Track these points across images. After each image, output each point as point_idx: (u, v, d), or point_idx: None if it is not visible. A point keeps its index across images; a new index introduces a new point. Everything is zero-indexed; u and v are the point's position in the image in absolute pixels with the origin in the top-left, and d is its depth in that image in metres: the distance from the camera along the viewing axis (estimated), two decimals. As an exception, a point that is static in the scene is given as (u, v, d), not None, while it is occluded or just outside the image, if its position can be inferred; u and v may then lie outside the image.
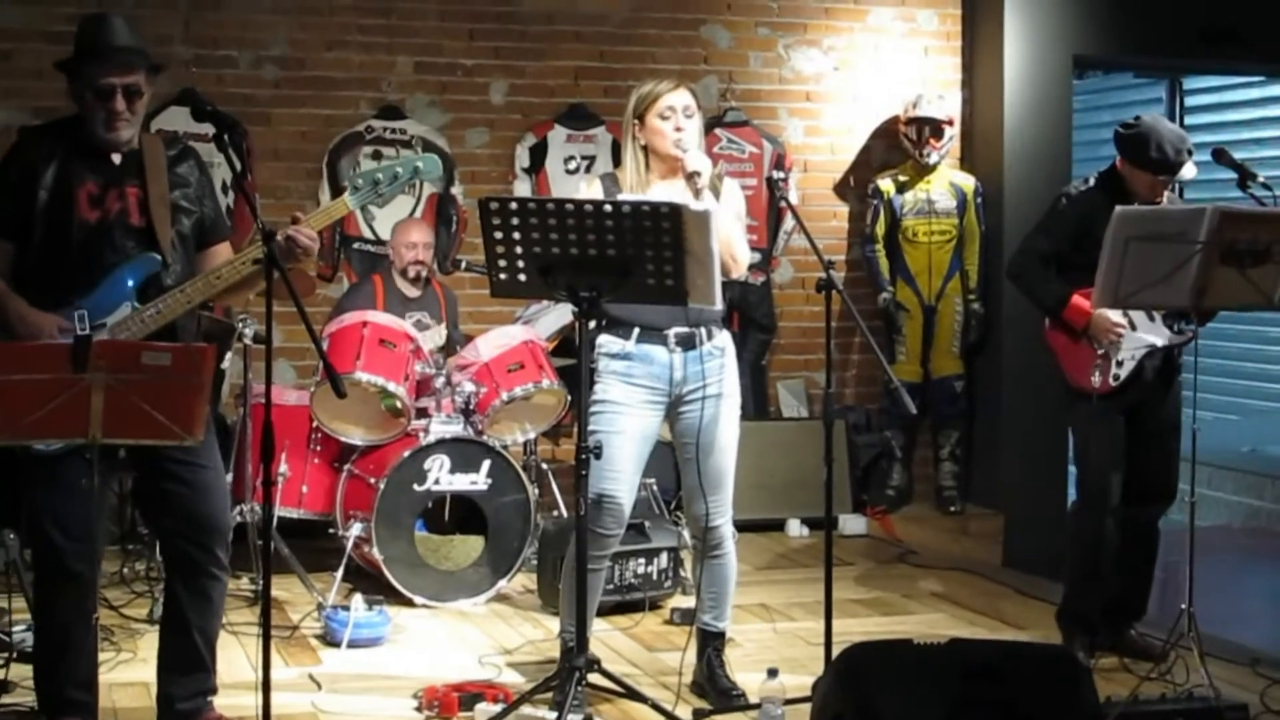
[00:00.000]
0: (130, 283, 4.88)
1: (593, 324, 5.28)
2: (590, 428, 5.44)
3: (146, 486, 5.03)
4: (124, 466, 4.87)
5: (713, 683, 5.75)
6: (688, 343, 5.51)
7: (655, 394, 5.54)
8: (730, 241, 5.44)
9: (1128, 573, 6.40)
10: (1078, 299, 6.13)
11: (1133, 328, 6.12)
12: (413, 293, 8.14)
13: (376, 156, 8.86)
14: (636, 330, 5.51)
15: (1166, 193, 6.27)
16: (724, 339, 5.64)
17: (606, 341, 5.57)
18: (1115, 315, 6.08)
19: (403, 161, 5.07)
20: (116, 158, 4.93)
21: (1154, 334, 6.14)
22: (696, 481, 5.59)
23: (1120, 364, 6.15)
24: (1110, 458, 6.24)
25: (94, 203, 4.88)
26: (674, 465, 5.85)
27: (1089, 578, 6.33)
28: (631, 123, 5.55)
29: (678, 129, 5.45)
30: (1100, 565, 6.31)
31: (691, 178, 5.32)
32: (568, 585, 5.63)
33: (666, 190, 5.42)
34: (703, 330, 5.53)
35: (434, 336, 7.87)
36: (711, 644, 5.81)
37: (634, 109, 5.54)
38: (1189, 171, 6.17)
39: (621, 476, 5.50)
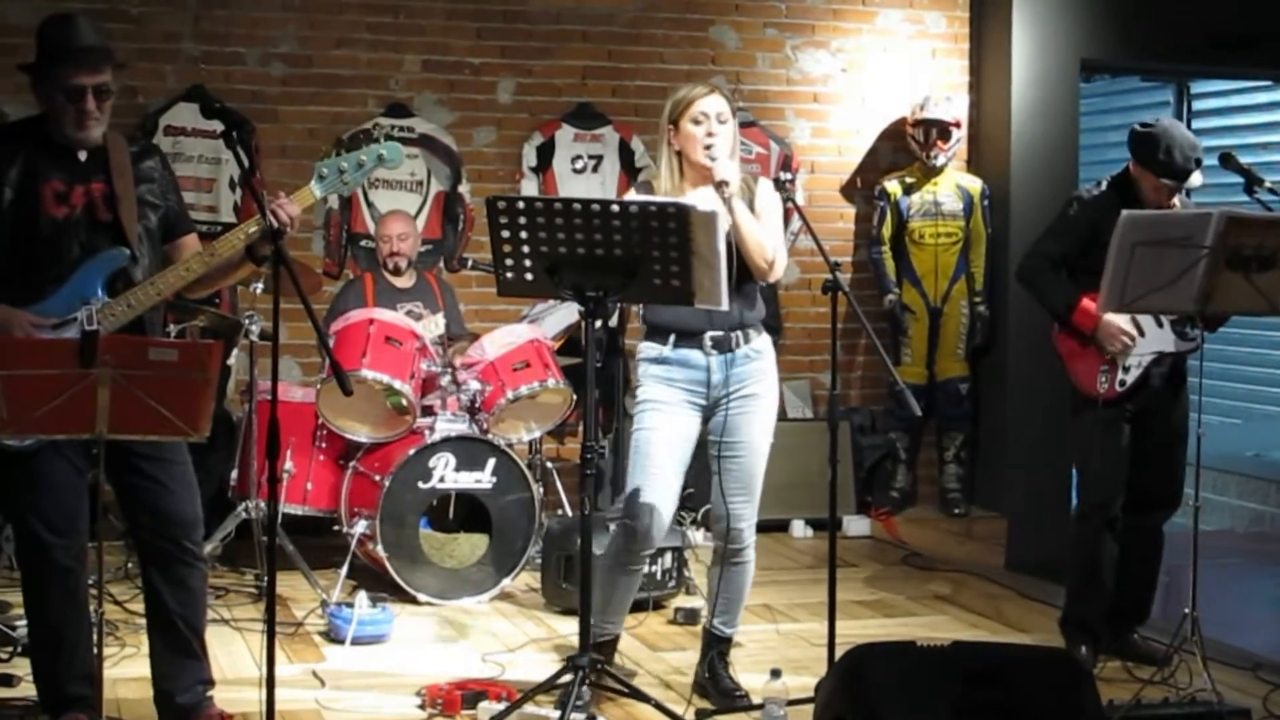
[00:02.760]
0: (99, 277, 4.90)
1: (598, 323, 5.29)
2: (634, 427, 5.59)
3: (116, 481, 5.04)
4: (95, 461, 4.86)
5: (715, 683, 5.76)
6: (723, 346, 5.53)
7: (694, 396, 5.57)
8: (763, 245, 5.45)
9: (1131, 578, 6.39)
10: (1086, 303, 6.11)
11: (1140, 333, 6.11)
12: (403, 283, 8.16)
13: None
14: (673, 335, 5.55)
15: (1178, 197, 6.26)
16: (763, 343, 5.65)
17: (645, 348, 5.63)
18: (1123, 321, 6.06)
19: (367, 150, 5.08)
20: (82, 155, 4.95)
21: (1161, 340, 6.13)
22: (727, 483, 5.61)
23: (1127, 369, 6.14)
24: (1113, 466, 6.23)
25: (60, 199, 4.91)
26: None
27: (1089, 584, 6.34)
28: (666, 128, 5.56)
29: (709, 134, 5.45)
30: (1100, 572, 6.31)
31: (720, 186, 5.33)
32: (598, 584, 5.65)
33: (699, 197, 5.40)
34: (739, 334, 5.56)
35: (430, 326, 7.87)
36: (717, 647, 5.81)
37: (669, 114, 5.55)
38: (1195, 180, 6.15)
39: (660, 473, 5.53)
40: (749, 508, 5.65)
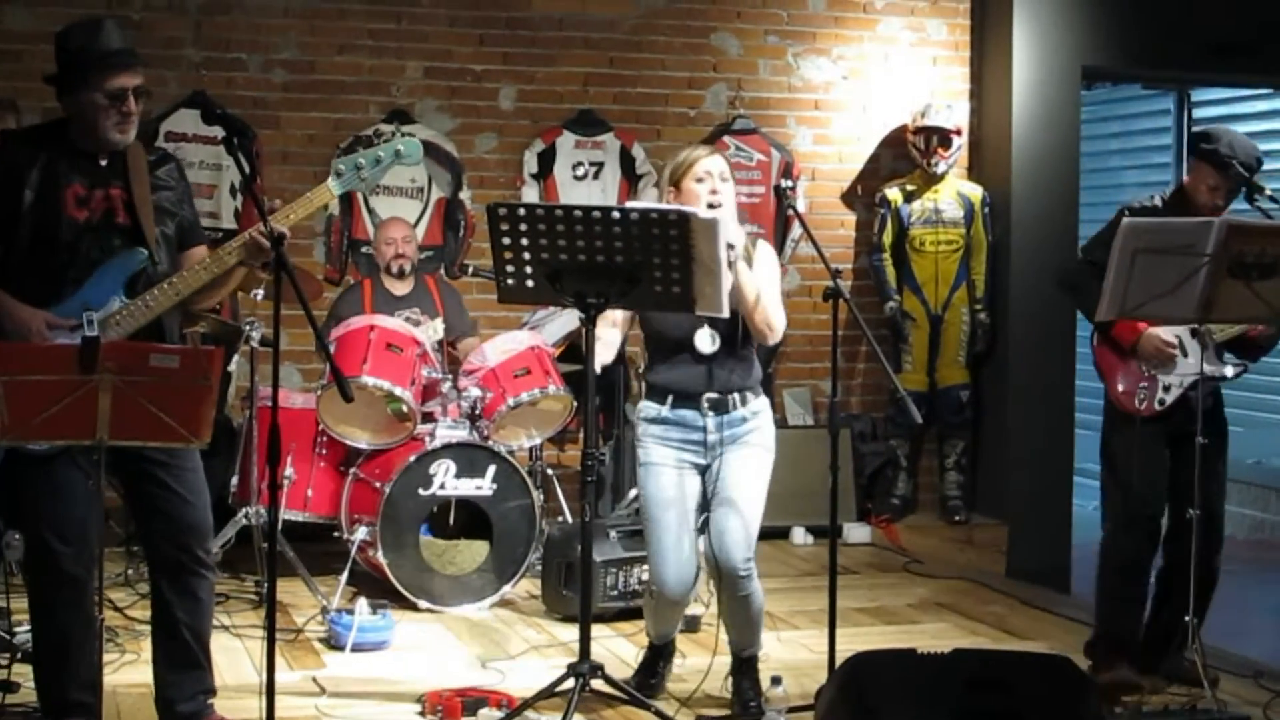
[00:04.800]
0: (118, 278, 4.91)
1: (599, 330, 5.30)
2: (640, 491, 5.62)
3: (128, 489, 5.04)
4: (108, 468, 4.84)
5: (737, 695, 5.70)
6: (720, 407, 5.54)
7: (693, 455, 5.57)
8: (766, 308, 5.44)
9: (1174, 606, 6.07)
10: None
11: (1184, 353, 6.00)
12: (401, 290, 8.18)
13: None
14: (671, 396, 5.56)
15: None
16: (760, 404, 5.65)
17: (644, 407, 5.63)
18: (1166, 334, 5.96)
19: (384, 146, 5.09)
20: (103, 160, 4.97)
21: (1206, 362, 5.92)
22: (723, 524, 5.53)
23: (1167, 389, 6.00)
24: (1154, 477, 6.03)
25: (81, 203, 4.93)
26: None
27: (1127, 598, 6.15)
28: (667, 190, 5.57)
29: (713, 192, 5.46)
30: (1139, 583, 6.13)
31: (727, 249, 5.28)
32: (646, 613, 5.93)
33: None
34: (735, 396, 5.56)
35: (428, 332, 7.88)
36: (739, 668, 5.74)
37: (670, 177, 5.57)
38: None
39: (683, 534, 5.54)
40: (741, 547, 5.53)
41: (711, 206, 5.42)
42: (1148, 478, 6.04)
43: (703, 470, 5.60)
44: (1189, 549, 5.87)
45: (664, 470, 5.56)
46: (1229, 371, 6.07)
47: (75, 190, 4.92)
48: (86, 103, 4.90)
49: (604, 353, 5.54)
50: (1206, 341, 5.96)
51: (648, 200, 5.59)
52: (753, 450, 5.60)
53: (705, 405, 5.53)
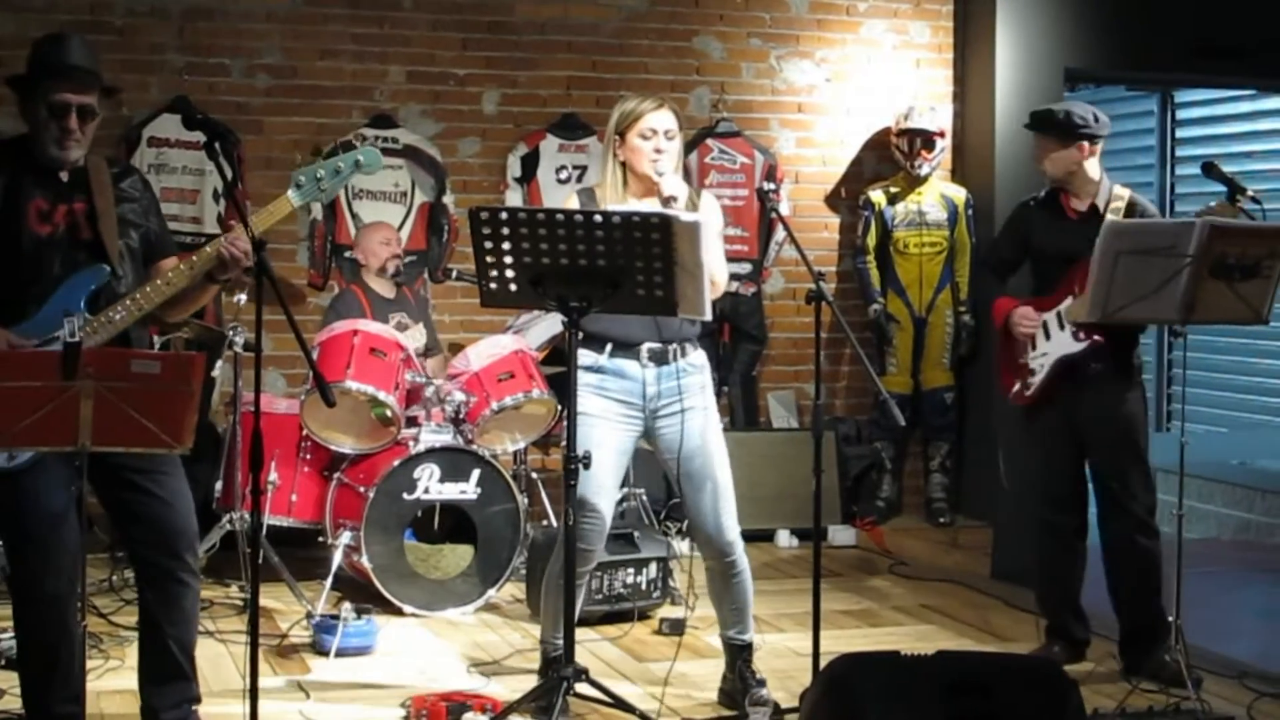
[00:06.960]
0: (80, 294, 4.89)
1: (582, 334, 5.30)
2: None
3: (107, 496, 5.02)
4: (81, 474, 4.80)
5: (743, 682, 5.70)
6: (660, 359, 5.53)
7: (629, 409, 5.55)
8: (709, 262, 5.40)
9: (1123, 593, 6.26)
10: (1002, 300, 6.26)
11: (1046, 336, 6.12)
12: (389, 293, 8.17)
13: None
14: (609, 345, 5.52)
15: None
16: (699, 357, 5.65)
17: (581, 355, 5.52)
18: (1029, 311, 6.15)
19: (344, 157, 5.09)
20: (64, 175, 4.96)
21: (1064, 344, 6.10)
22: (702, 499, 5.56)
23: (1033, 373, 6.16)
24: (1045, 474, 6.30)
25: (43, 218, 4.91)
26: (663, 475, 5.83)
27: (1042, 588, 6.50)
28: (613, 139, 5.57)
29: (657, 150, 5.47)
30: (1049, 576, 6.41)
31: (667, 203, 5.31)
32: (549, 596, 5.71)
33: (642, 209, 5.39)
34: (676, 347, 5.55)
35: (415, 335, 7.89)
36: (741, 655, 5.77)
37: (616, 125, 5.55)
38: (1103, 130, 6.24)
39: (602, 490, 5.50)
40: (730, 516, 5.62)
41: (654, 162, 5.45)
42: (1038, 474, 6.36)
43: (642, 423, 5.57)
44: (1125, 532, 6.18)
45: (598, 422, 5.44)
46: (1078, 347, 6.10)
47: (38, 205, 4.90)
48: (34, 114, 4.90)
49: None
50: (1063, 322, 6.10)
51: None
52: (707, 416, 5.58)
53: (645, 356, 5.51)
